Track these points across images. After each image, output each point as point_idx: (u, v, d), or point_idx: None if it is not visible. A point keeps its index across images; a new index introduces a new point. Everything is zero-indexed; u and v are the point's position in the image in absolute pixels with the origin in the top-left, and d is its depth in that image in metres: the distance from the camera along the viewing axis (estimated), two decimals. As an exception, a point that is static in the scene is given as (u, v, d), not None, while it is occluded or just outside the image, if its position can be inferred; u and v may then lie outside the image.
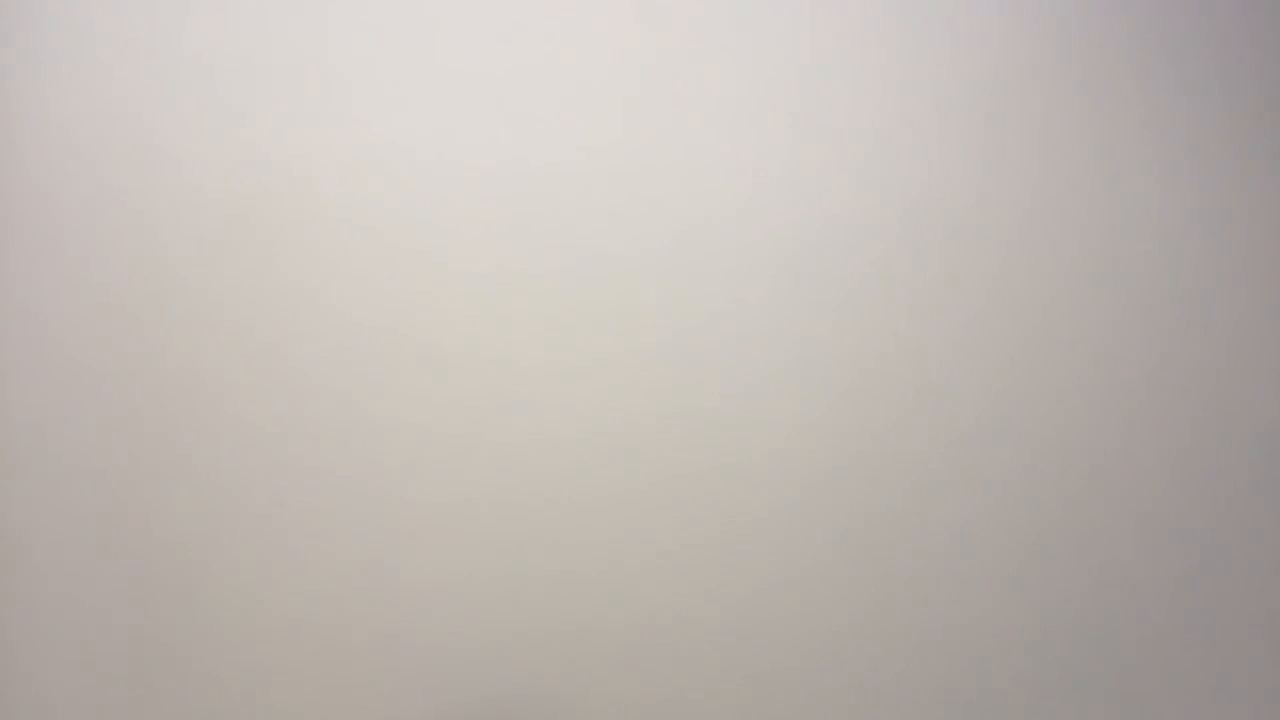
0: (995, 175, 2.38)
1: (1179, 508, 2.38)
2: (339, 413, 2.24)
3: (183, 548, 2.20)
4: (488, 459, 2.26)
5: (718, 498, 2.29)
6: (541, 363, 2.28)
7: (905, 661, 2.32)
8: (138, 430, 2.20)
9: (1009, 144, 2.39)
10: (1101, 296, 2.39)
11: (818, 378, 2.33)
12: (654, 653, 2.27)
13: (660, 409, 2.29)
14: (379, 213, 2.26)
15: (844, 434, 2.32)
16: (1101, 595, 2.36)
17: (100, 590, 2.18)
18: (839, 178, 2.35)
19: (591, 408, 2.28)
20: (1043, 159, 2.39)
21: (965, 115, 2.38)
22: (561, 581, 2.26)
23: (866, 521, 2.32)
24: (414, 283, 2.26)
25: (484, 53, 2.30)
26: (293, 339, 2.24)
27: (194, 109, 2.24)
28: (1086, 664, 2.34)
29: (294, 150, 2.26)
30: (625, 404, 2.29)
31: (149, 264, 2.23)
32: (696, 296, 2.31)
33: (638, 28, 2.33)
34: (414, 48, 2.29)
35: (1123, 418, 2.38)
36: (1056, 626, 2.34)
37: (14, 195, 2.22)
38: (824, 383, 2.33)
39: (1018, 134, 2.39)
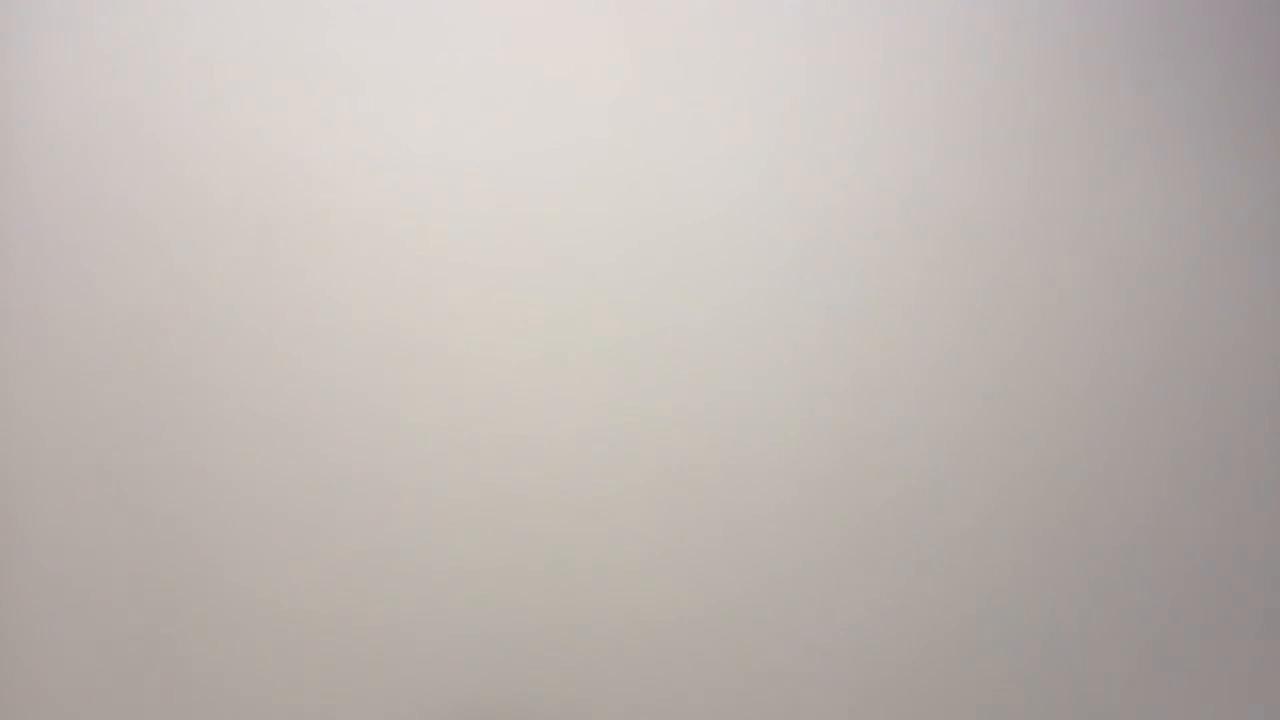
0: (993, 173, 2.39)
1: (1179, 508, 2.38)
2: (339, 410, 2.24)
3: (184, 545, 2.20)
4: (489, 456, 2.26)
5: (718, 496, 2.29)
6: (542, 360, 2.28)
7: (905, 660, 2.32)
8: (140, 428, 2.20)
9: (1007, 141, 2.39)
10: (1100, 295, 2.39)
11: (818, 375, 2.33)
12: (656, 651, 2.27)
13: (660, 406, 2.29)
14: (380, 211, 2.27)
15: (844, 431, 2.32)
16: (1102, 595, 2.36)
17: (103, 587, 2.18)
18: (838, 173, 2.35)
19: (591, 405, 2.28)
20: (1040, 157, 2.39)
21: (962, 112, 2.39)
22: (563, 579, 2.26)
23: (867, 519, 2.32)
24: (414, 280, 2.26)
25: (485, 50, 2.30)
26: (293, 336, 2.24)
27: (194, 107, 2.24)
28: (1087, 664, 2.35)
29: (294, 149, 2.26)
30: (625, 401, 2.29)
31: (150, 261, 2.23)
32: (697, 294, 2.31)
33: (638, 26, 2.33)
34: (415, 46, 2.29)
35: (1122, 416, 2.38)
36: (1057, 626, 2.34)
37: (14, 195, 2.22)
38: (824, 380, 2.33)
39: (1015, 131, 2.39)
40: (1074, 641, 2.34)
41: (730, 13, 2.35)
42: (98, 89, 2.23)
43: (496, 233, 2.29)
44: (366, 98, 2.27)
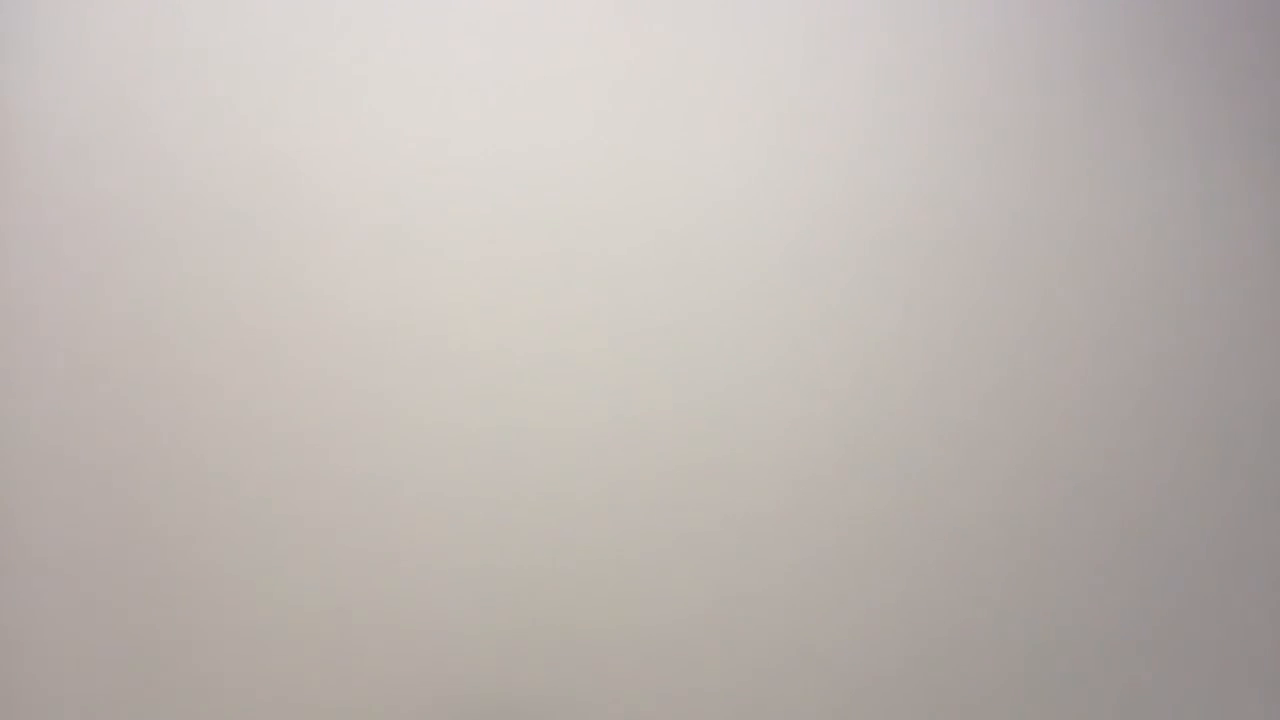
0: (990, 171, 2.38)
1: (1179, 508, 2.38)
2: (340, 408, 2.24)
3: (186, 545, 2.20)
4: (489, 455, 2.26)
5: (717, 494, 2.29)
6: (542, 359, 2.28)
7: (904, 659, 2.32)
8: (140, 427, 2.21)
9: (1003, 140, 2.39)
10: (1098, 294, 2.39)
11: (818, 374, 2.33)
12: (656, 649, 2.27)
13: (659, 406, 2.29)
14: (379, 209, 2.27)
15: (843, 430, 2.32)
16: (1100, 594, 2.36)
17: (103, 587, 2.18)
18: (835, 172, 2.35)
19: (590, 404, 2.28)
20: (1037, 155, 2.39)
21: (962, 111, 2.38)
22: (562, 577, 2.26)
23: (867, 518, 2.32)
24: (413, 278, 2.26)
25: (485, 49, 2.30)
26: (293, 335, 2.24)
27: (193, 106, 2.24)
28: (1086, 664, 2.34)
29: (293, 148, 2.26)
30: (624, 400, 2.29)
31: (150, 261, 2.23)
32: (696, 292, 2.31)
33: (636, 27, 2.33)
34: (414, 44, 2.29)
35: (1120, 415, 2.38)
36: (1055, 626, 2.34)
37: (14, 195, 2.22)
38: (823, 378, 2.33)
39: (1012, 130, 2.39)
40: (1074, 641, 2.34)
41: (729, 11, 2.35)
42: (97, 89, 2.23)
43: (495, 232, 2.29)
44: (366, 96, 2.27)
